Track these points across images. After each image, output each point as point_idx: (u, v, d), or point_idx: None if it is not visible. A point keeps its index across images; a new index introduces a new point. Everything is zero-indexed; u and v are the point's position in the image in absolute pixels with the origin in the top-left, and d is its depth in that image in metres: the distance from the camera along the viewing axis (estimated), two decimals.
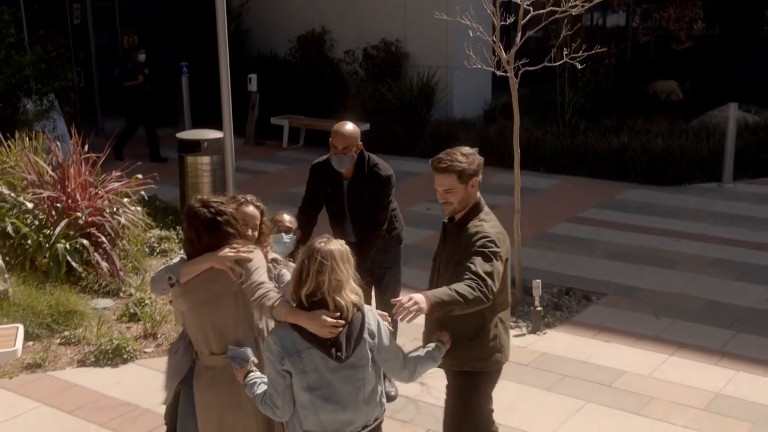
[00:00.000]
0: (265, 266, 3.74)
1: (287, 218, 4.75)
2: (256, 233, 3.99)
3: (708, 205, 10.30)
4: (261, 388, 3.49)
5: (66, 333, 6.71)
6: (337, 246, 3.46)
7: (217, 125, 12.23)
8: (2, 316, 6.69)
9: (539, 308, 6.83)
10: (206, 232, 3.68)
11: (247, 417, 3.67)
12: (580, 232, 9.35)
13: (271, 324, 3.93)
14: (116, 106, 14.19)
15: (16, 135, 8.68)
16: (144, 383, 5.97)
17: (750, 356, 6.29)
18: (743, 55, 15.82)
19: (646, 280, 7.87)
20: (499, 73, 7.05)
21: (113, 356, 6.35)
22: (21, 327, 5.88)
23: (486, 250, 3.80)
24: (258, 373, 3.57)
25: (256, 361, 3.63)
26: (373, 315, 3.55)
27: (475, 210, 4.03)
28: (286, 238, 4.54)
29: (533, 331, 6.76)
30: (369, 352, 3.45)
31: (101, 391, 5.93)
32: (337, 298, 3.38)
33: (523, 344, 6.55)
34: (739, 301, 7.36)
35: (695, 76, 15.55)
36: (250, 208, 4.03)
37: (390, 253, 5.60)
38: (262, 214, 4.08)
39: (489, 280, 3.71)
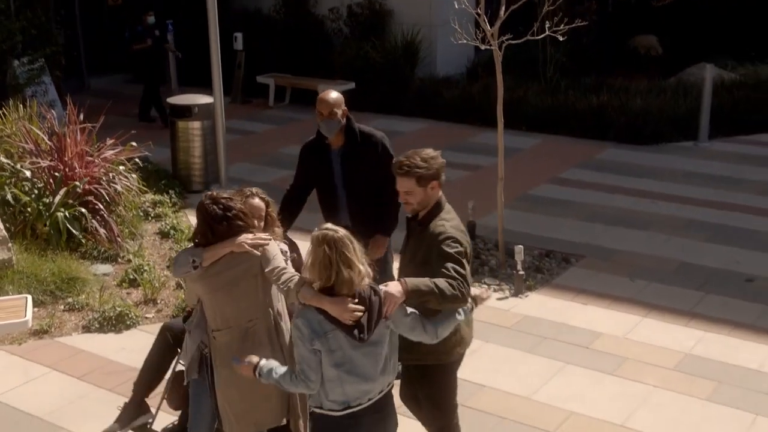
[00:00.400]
0: (280, 254, 4.03)
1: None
2: (262, 223, 4.27)
3: (684, 165, 10.65)
4: (281, 369, 3.79)
5: (69, 299, 7.01)
6: (346, 233, 3.73)
7: (202, 83, 12.51)
8: (7, 284, 6.98)
9: (521, 272, 7.18)
10: (218, 227, 3.97)
11: (268, 389, 3.99)
12: (560, 194, 9.69)
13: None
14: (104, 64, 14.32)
15: (10, 102, 8.85)
16: (147, 349, 6.22)
17: (718, 317, 6.69)
18: (721, 10, 16.01)
19: (623, 242, 8.23)
20: (483, 46, 7.30)
21: (116, 322, 6.67)
22: (29, 297, 6.15)
23: (453, 251, 4.00)
24: (265, 361, 3.86)
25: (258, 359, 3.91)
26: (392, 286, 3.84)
27: (435, 210, 4.21)
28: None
29: (515, 294, 7.12)
30: (386, 329, 3.78)
31: (107, 357, 6.25)
32: (357, 284, 3.66)
33: (506, 307, 6.91)
34: (710, 262, 7.74)
35: (675, 31, 15.76)
36: (256, 200, 4.31)
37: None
38: (267, 205, 4.36)
39: (466, 283, 3.95)
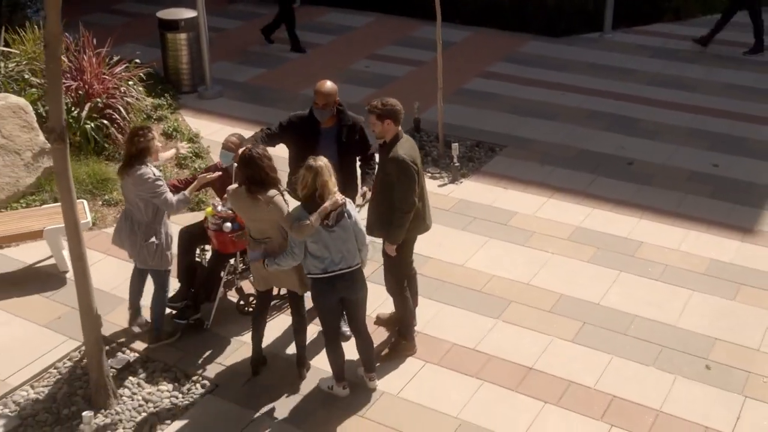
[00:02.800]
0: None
1: (233, 139, 6.43)
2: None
3: (589, 57, 12.20)
4: (279, 255, 5.50)
5: (106, 197, 8.47)
6: (324, 161, 5.37)
7: None
8: (55, 186, 8.40)
9: (457, 164, 8.83)
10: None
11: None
12: (488, 87, 11.22)
13: None
14: None
15: (27, 26, 9.91)
16: (175, 236, 7.85)
17: (603, 195, 8.48)
18: None
19: (537, 132, 9.89)
20: None
21: None
22: (85, 202, 7.66)
23: (402, 174, 5.65)
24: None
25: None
26: (351, 205, 5.52)
27: (394, 140, 5.78)
28: (230, 154, 6.36)
29: (452, 181, 8.79)
30: (349, 224, 5.43)
31: None
32: (330, 192, 5.33)
33: (445, 192, 8.60)
34: (602, 148, 9.47)
35: None
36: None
37: None
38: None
39: (407, 204, 5.67)
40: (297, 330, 6.01)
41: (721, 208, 8.19)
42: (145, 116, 10.04)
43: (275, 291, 6.54)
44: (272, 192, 5.50)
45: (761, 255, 7.41)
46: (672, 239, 7.68)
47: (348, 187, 6.10)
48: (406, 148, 5.79)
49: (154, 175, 5.98)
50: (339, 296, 5.58)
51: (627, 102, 10.67)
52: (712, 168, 8.97)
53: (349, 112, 6.38)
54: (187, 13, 10.92)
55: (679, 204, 8.27)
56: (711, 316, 6.64)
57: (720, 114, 10.27)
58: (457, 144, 8.90)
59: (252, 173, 5.50)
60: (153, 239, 6.09)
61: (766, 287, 6.97)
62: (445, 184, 8.75)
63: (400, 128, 5.85)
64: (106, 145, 9.11)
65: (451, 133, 9.55)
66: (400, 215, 5.73)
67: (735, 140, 9.59)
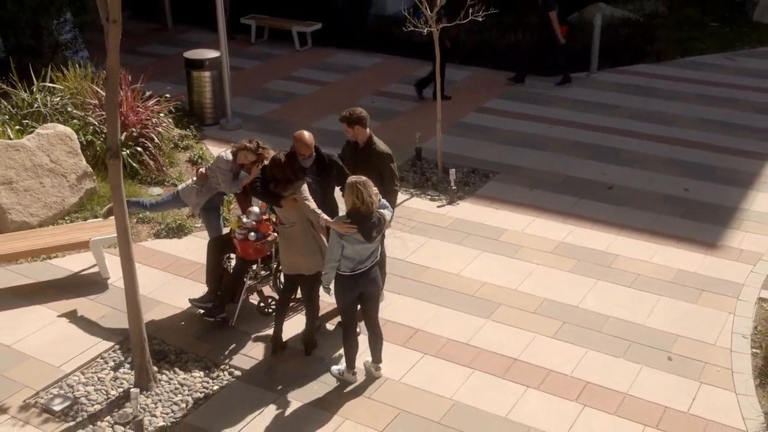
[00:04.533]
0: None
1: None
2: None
3: (576, 94, 13.10)
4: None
5: (140, 215, 9.31)
6: (365, 179, 6.19)
7: (197, 20, 14.32)
8: (95, 205, 9.30)
9: (454, 188, 9.67)
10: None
11: (302, 256, 6.61)
12: (484, 121, 12.10)
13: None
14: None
15: (69, 64, 10.85)
16: (202, 249, 8.65)
17: (585, 216, 9.29)
18: None
19: (527, 161, 10.74)
20: (425, 30, 9.55)
21: (177, 231, 9.02)
22: None
23: (388, 161, 7.00)
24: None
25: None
26: (388, 213, 6.37)
27: (369, 142, 7.13)
28: (243, 174, 7.46)
29: (450, 203, 9.62)
30: (380, 238, 6.31)
31: (177, 255, 8.64)
32: (370, 207, 6.11)
33: (443, 212, 9.43)
34: (585, 175, 10.31)
35: None
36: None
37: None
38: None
39: (396, 180, 7.07)
40: (308, 319, 6.97)
41: (690, 226, 8.99)
42: (173, 145, 10.93)
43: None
44: (298, 184, 6.58)
45: (722, 266, 8.20)
46: (645, 253, 8.48)
47: (328, 209, 6.85)
48: (383, 143, 7.18)
49: (227, 157, 7.36)
50: (359, 291, 6.38)
51: (609, 134, 11.53)
52: (684, 192, 9.80)
53: (322, 151, 7.00)
54: (211, 54, 11.87)
55: (653, 223, 9.08)
56: (675, 316, 7.42)
57: (694, 145, 11.12)
58: (454, 170, 9.75)
59: (275, 173, 6.52)
60: (196, 185, 7.58)
61: (725, 293, 7.76)
62: (443, 205, 9.58)
63: (368, 131, 7.16)
64: (140, 170, 9.98)
65: (449, 161, 10.40)
66: (394, 196, 7.05)
67: (706, 168, 10.43)
